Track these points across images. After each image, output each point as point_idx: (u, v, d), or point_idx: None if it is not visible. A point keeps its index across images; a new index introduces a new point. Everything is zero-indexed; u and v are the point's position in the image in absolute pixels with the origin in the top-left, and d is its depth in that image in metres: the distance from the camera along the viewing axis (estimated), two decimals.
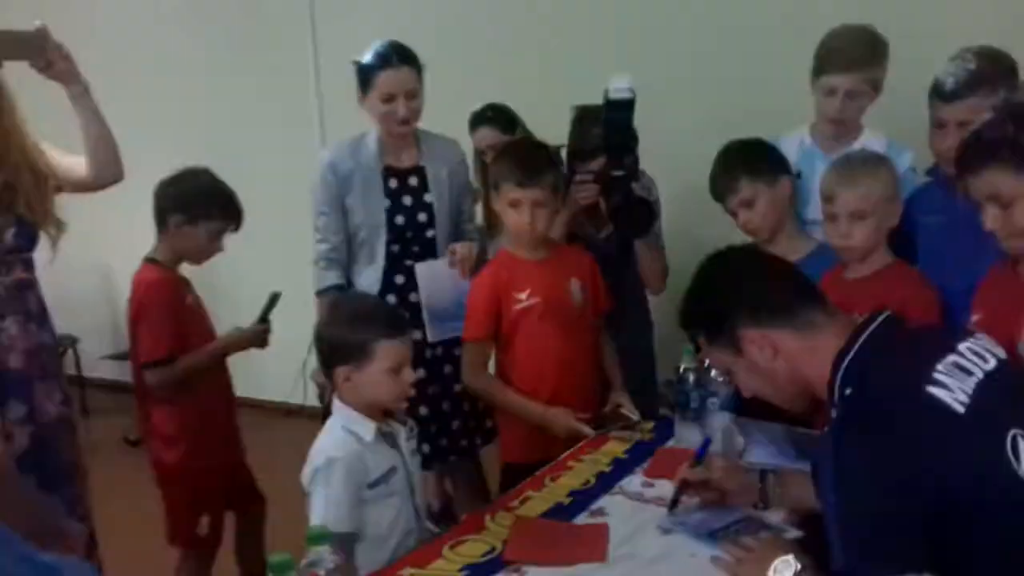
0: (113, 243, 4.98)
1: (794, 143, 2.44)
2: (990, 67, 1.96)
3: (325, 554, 1.33)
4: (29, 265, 2.32)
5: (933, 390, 1.25)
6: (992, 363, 1.34)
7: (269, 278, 2.77)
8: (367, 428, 1.79)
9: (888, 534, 1.18)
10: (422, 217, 2.60)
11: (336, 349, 1.81)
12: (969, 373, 1.29)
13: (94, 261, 5.13)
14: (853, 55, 2.27)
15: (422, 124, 2.61)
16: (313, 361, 2.75)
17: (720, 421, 2.00)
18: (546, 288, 2.29)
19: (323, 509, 1.72)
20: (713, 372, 2.01)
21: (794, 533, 1.59)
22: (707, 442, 1.81)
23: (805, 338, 1.44)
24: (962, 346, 1.34)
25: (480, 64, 3.80)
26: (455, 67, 3.31)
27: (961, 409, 1.24)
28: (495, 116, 3.03)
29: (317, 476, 1.74)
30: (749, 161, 2.29)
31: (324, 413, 2.60)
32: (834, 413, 1.35)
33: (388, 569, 1.62)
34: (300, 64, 4.43)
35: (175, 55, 4.79)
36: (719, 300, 1.52)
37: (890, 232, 2.06)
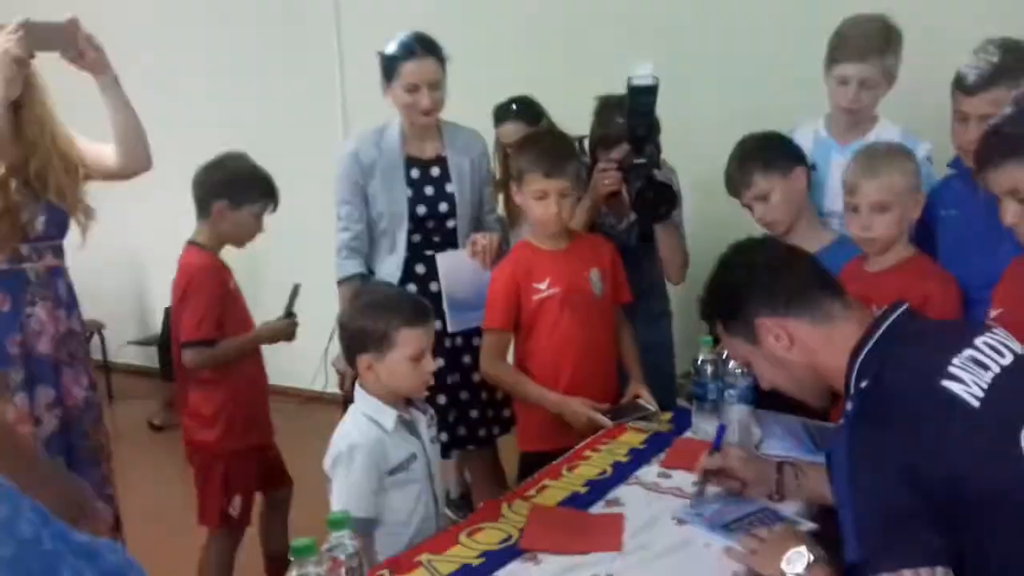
0: (141, 230, 5.05)
1: (808, 135, 2.44)
2: (1013, 59, 1.94)
3: (346, 539, 1.35)
4: (59, 252, 2.37)
5: (948, 384, 1.26)
6: (1009, 358, 1.34)
7: (292, 267, 2.81)
8: (388, 416, 1.81)
9: (901, 527, 1.19)
10: (443, 207, 2.62)
11: (358, 337, 1.83)
12: (986, 368, 1.30)
13: (121, 248, 5.18)
14: (867, 44, 2.27)
15: (445, 115, 2.63)
16: (334, 348, 2.80)
17: (737, 413, 2.01)
18: (566, 277, 2.31)
19: (344, 494, 1.75)
20: (731, 364, 2.02)
21: (808, 525, 1.60)
22: (722, 428, 1.82)
23: (822, 329, 1.45)
24: (979, 340, 1.35)
25: (503, 56, 3.81)
26: (478, 59, 3.31)
27: (976, 403, 1.24)
28: (521, 110, 3.01)
29: (339, 462, 1.77)
30: (761, 155, 2.29)
31: (344, 400, 2.64)
32: (849, 405, 1.36)
33: (406, 554, 1.64)
34: (325, 56, 4.46)
35: (201, 46, 4.84)
36: (737, 288, 1.53)
37: (911, 224, 2.06)
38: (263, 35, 4.66)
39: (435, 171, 2.64)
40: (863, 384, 1.34)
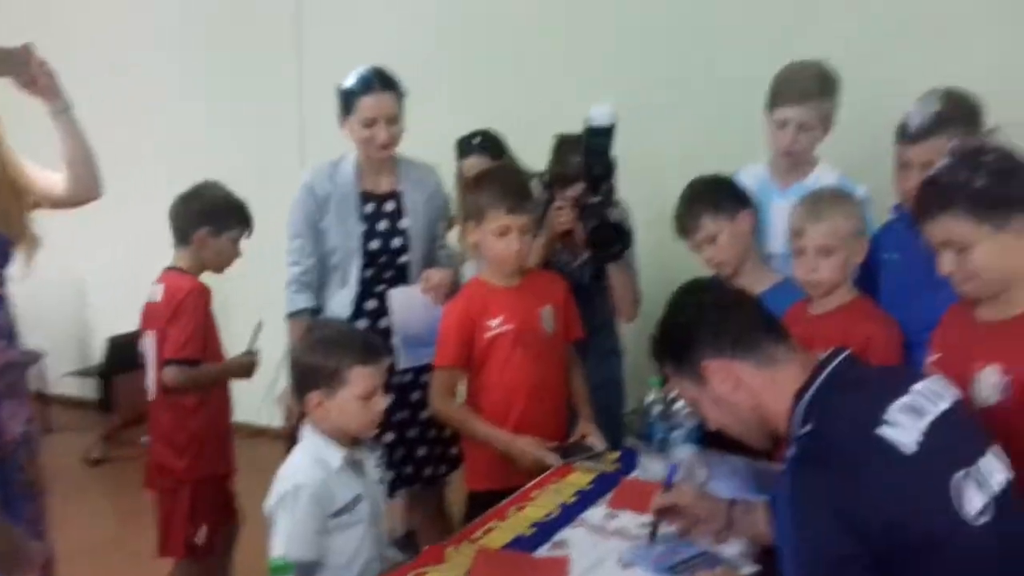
0: (81, 257, 4.94)
1: (751, 177, 2.49)
2: (954, 109, 2.00)
3: None
4: (1, 281, 2.30)
5: (885, 431, 1.29)
6: (945, 404, 1.37)
7: (242, 299, 2.78)
8: (335, 455, 1.79)
9: (840, 571, 1.20)
10: (397, 243, 2.61)
11: (309, 373, 1.81)
12: (922, 414, 1.33)
13: (61, 275, 5.06)
14: (805, 88, 2.34)
15: (401, 149, 2.63)
16: (280, 382, 2.77)
17: (684, 453, 2.02)
18: (519, 314, 2.30)
19: (287, 536, 1.72)
20: (678, 405, 2.03)
21: (750, 568, 1.61)
22: (673, 468, 1.83)
23: (766, 372, 1.47)
24: (916, 387, 1.38)
25: (460, 92, 3.84)
26: (437, 94, 3.33)
27: (912, 450, 1.27)
28: (485, 144, 3.01)
29: (283, 502, 1.74)
30: (709, 198, 2.33)
31: (289, 436, 2.61)
32: (791, 451, 1.38)
33: None
34: (284, 88, 4.44)
35: (155, 76, 4.79)
36: (685, 330, 1.55)
37: (855, 268, 2.10)
38: (221, 65, 4.62)
39: (389, 206, 2.63)
40: (804, 430, 1.37)
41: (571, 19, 3.71)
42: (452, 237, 2.97)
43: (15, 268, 2.34)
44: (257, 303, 2.78)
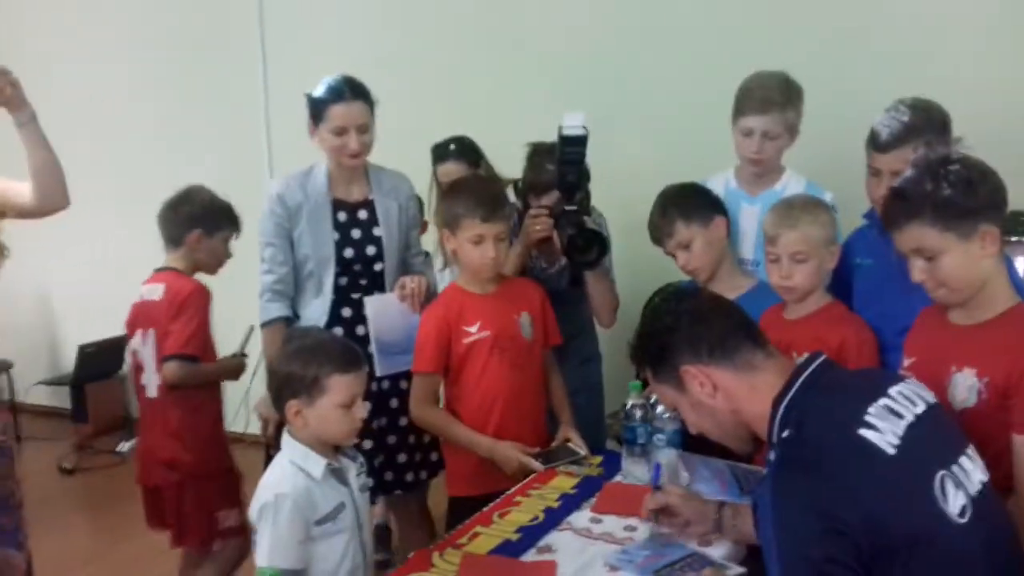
0: (52, 266, 4.89)
1: (719, 185, 2.52)
2: (922, 119, 2.04)
3: None
4: None
5: (864, 432, 1.31)
6: (922, 407, 1.40)
7: (216, 308, 2.76)
8: (317, 464, 1.78)
9: (825, 573, 1.22)
10: (371, 250, 2.61)
11: (288, 382, 1.80)
12: (900, 416, 1.36)
13: (31, 284, 5.03)
14: (769, 97, 2.37)
15: (373, 158, 2.63)
16: (255, 390, 2.76)
17: (665, 457, 2.04)
18: (497, 321, 2.32)
19: (270, 546, 1.71)
20: (659, 408, 2.06)
21: (737, 570, 1.64)
22: (658, 467, 1.84)
23: (744, 377, 1.50)
24: (893, 390, 1.41)
25: (432, 100, 3.84)
26: (406, 103, 3.33)
27: (891, 451, 1.30)
28: (462, 149, 3.03)
29: (265, 512, 1.73)
30: (683, 205, 2.36)
31: (266, 445, 2.61)
32: (772, 455, 1.40)
33: None
34: (250, 97, 4.43)
35: (121, 85, 4.75)
36: (664, 336, 1.57)
37: (828, 274, 2.14)
38: (187, 72, 4.59)
39: (362, 214, 2.63)
40: (785, 434, 1.39)
41: (543, 27, 3.73)
42: (427, 240, 2.98)
43: None
44: (219, 310, 2.80)
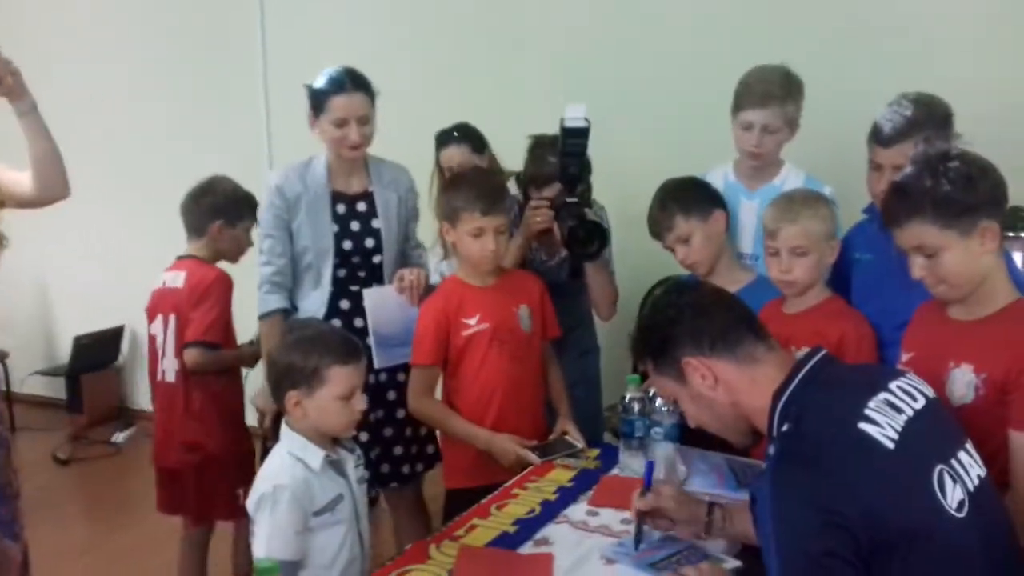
0: (48, 256, 4.88)
1: (718, 178, 2.52)
2: (925, 113, 2.03)
3: None
4: None
5: (864, 426, 1.31)
6: (921, 402, 1.41)
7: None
8: (315, 455, 1.78)
9: (825, 567, 1.22)
10: (369, 243, 2.60)
11: (287, 373, 1.80)
12: (899, 411, 1.36)
13: (27, 274, 5.02)
14: (769, 91, 2.37)
15: (374, 150, 2.62)
16: (253, 380, 2.76)
17: (663, 450, 2.05)
18: (496, 313, 2.32)
19: (268, 536, 1.71)
20: (658, 402, 2.06)
21: (733, 563, 1.64)
22: (650, 465, 1.84)
23: (745, 370, 1.49)
24: (893, 384, 1.41)
25: (432, 93, 3.84)
26: (407, 96, 3.32)
27: (891, 445, 1.30)
28: (465, 134, 3.01)
29: (263, 502, 1.73)
30: (682, 199, 2.36)
31: (263, 436, 2.61)
32: (772, 449, 1.40)
33: None
34: (249, 89, 4.41)
35: (120, 77, 4.74)
36: (665, 328, 1.56)
37: (828, 268, 2.14)
38: (187, 63, 4.58)
39: (361, 206, 2.62)
40: (785, 428, 1.39)
41: (545, 22, 3.73)
42: (427, 229, 2.96)
43: None
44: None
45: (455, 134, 3.02)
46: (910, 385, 1.44)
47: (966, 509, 1.30)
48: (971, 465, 1.38)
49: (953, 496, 1.30)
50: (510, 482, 2.10)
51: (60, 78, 4.14)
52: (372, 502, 2.64)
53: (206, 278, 2.73)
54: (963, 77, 2.80)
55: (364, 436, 2.55)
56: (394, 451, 2.67)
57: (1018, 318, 1.61)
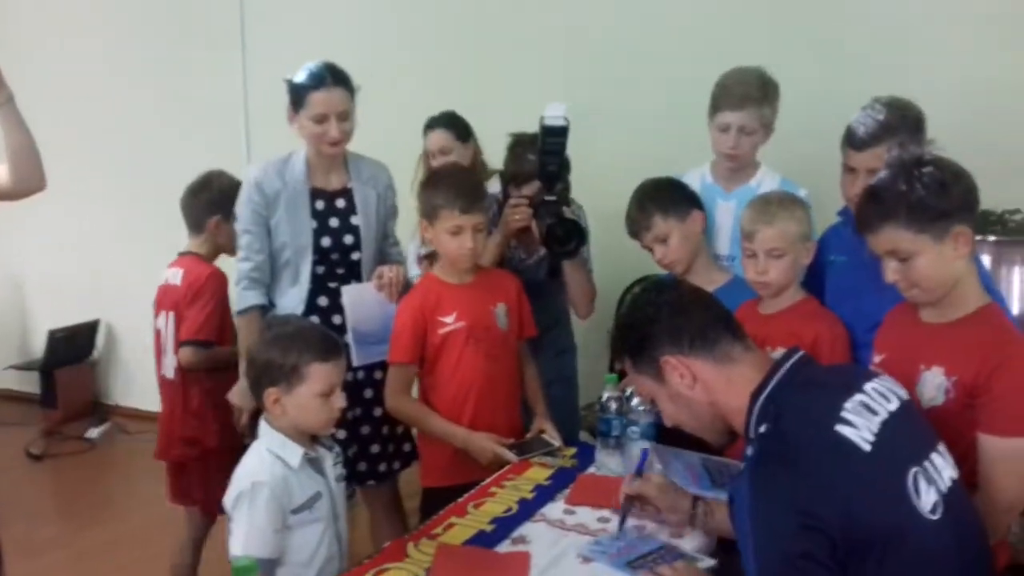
0: (21, 250, 4.83)
1: (695, 180, 2.54)
2: (898, 118, 2.06)
3: None
4: None
5: (841, 428, 1.33)
6: (895, 403, 1.43)
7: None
8: (294, 453, 1.78)
9: (801, 568, 1.24)
10: (348, 239, 2.59)
11: (267, 369, 1.80)
12: (875, 412, 1.38)
13: (2, 269, 4.97)
14: (745, 93, 2.39)
15: (354, 147, 2.61)
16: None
17: (639, 449, 2.06)
18: (472, 312, 2.32)
19: (245, 534, 1.71)
20: (634, 401, 2.07)
21: (709, 562, 1.65)
22: (645, 453, 1.86)
23: (722, 369, 1.51)
24: (868, 386, 1.43)
25: (411, 87, 3.83)
26: (387, 91, 3.32)
27: (868, 448, 1.32)
28: (452, 122, 3.06)
29: (241, 499, 1.73)
30: (661, 199, 2.38)
31: (240, 435, 2.60)
32: (750, 450, 1.42)
33: None
34: (228, 84, 4.39)
35: (98, 70, 4.70)
36: (644, 327, 1.58)
37: (803, 270, 2.16)
38: (166, 58, 4.55)
39: (340, 203, 2.61)
40: (763, 429, 1.41)
41: (521, 21, 3.74)
42: (411, 214, 2.95)
43: None
44: None
45: (442, 120, 3.06)
46: (884, 387, 1.46)
47: (940, 511, 1.32)
48: (944, 467, 1.40)
49: (927, 498, 1.32)
50: (487, 480, 2.11)
51: (37, 71, 4.10)
52: (348, 498, 2.64)
53: (200, 276, 2.77)
54: (938, 79, 2.85)
55: (342, 434, 2.54)
56: (371, 449, 2.66)
57: (988, 322, 1.64)
